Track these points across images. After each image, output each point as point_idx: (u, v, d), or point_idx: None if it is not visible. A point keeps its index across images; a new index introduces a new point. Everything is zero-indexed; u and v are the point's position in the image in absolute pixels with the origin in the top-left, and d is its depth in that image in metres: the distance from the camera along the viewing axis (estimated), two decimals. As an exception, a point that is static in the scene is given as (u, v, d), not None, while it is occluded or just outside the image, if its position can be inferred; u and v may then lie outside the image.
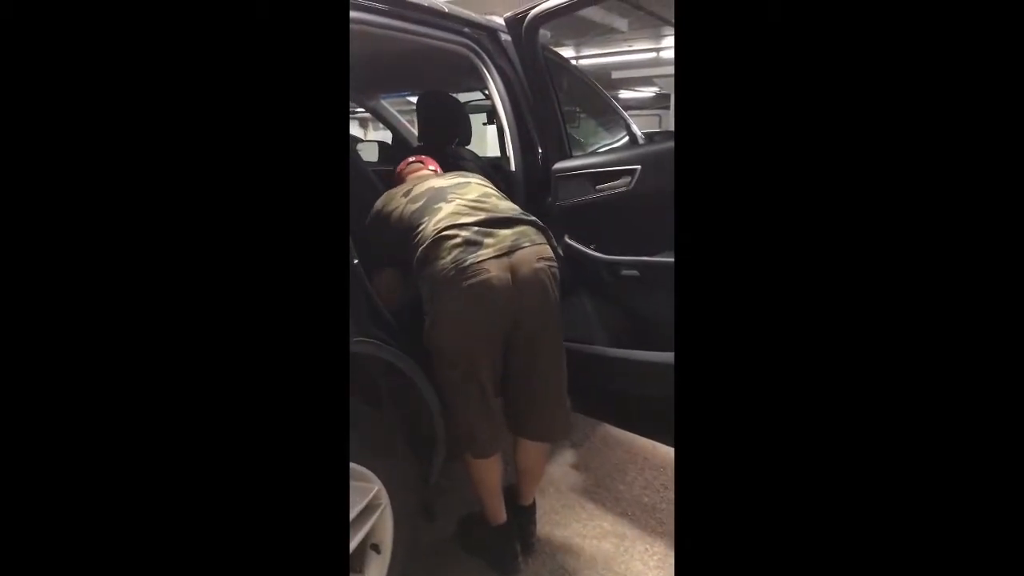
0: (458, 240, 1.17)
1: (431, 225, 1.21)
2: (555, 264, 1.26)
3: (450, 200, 1.26)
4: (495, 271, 1.16)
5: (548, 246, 1.26)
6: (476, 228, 1.19)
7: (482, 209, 1.25)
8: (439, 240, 1.18)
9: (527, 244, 1.21)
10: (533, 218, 1.29)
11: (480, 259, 1.15)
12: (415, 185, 1.36)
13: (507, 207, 1.30)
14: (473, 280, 1.14)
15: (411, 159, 1.58)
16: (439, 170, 1.55)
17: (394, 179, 1.54)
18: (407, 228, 1.27)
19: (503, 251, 1.17)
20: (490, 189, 1.36)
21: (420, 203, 1.28)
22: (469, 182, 1.36)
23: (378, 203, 1.40)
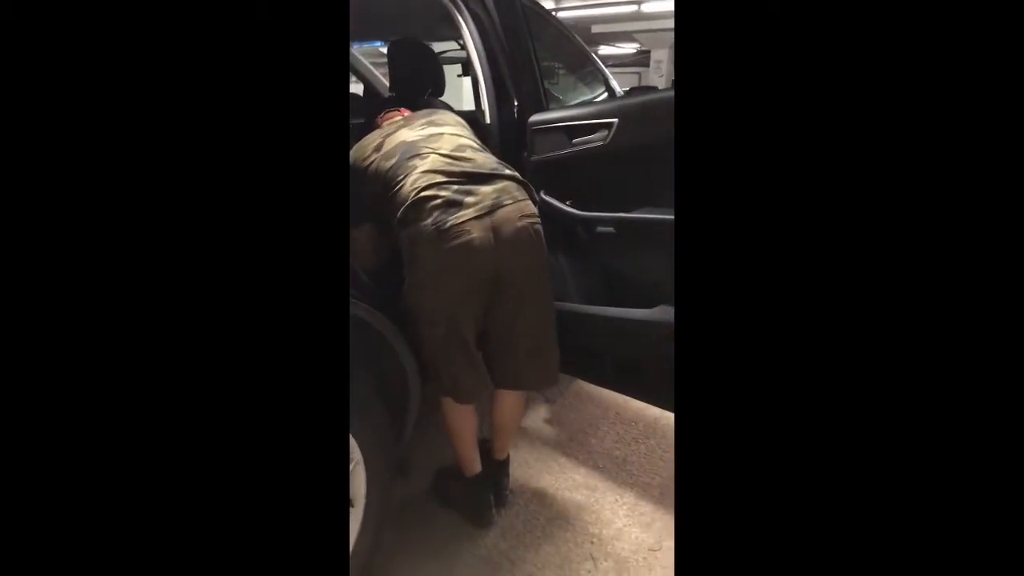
0: (438, 201, 1.14)
1: (408, 185, 1.18)
2: (538, 220, 1.24)
3: (424, 155, 1.22)
4: (476, 232, 1.14)
5: (530, 202, 1.24)
6: (455, 187, 1.16)
7: (459, 163, 1.21)
8: (418, 202, 1.15)
9: (509, 202, 1.19)
10: (513, 172, 1.26)
11: (461, 220, 1.13)
12: (386, 138, 1.31)
13: (484, 160, 1.27)
14: (455, 242, 1.13)
15: (389, 109, 1.52)
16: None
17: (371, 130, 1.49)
18: (383, 186, 1.23)
19: (484, 210, 1.15)
20: (464, 139, 1.32)
21: (394, 160, 1.24)
22: (442, 132, 1.31)
23: (349, 157, 1.35)
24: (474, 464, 1.42)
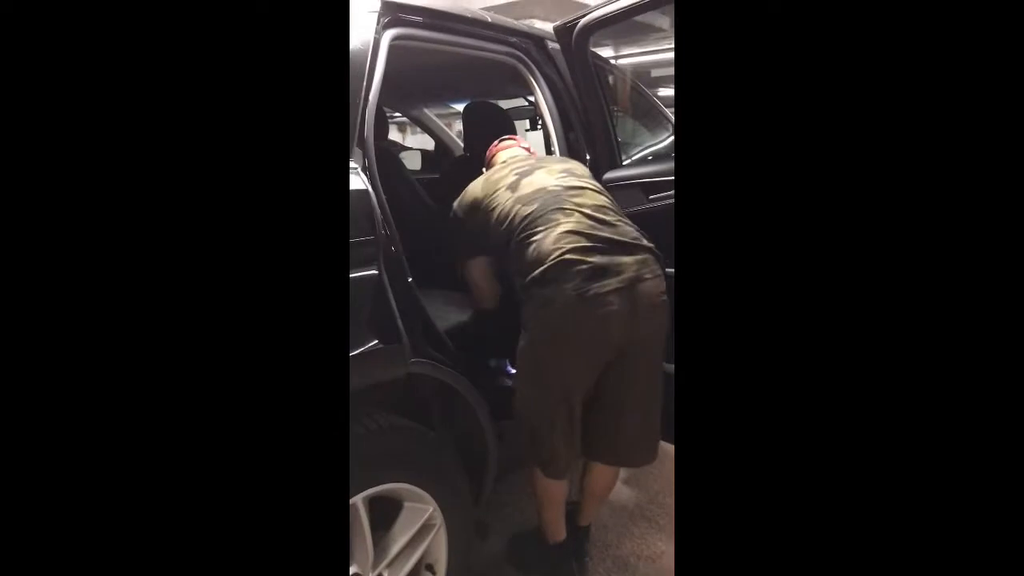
0: (584, 267, 1.10)
1: (550, 242, 1.12)
2: (666, 296, 1.19)
3: (568, 211, 1.17)
4: (617, 304, 1.10)
5: (663, 276, 1.20)
6: (599, 255, 1.12)
7: (603, 228, 1.17)
8: (562, 264, 1.10)
9: (649, 276, 1.14)
10: (650, 244, 1.22)
11: (604, 290, 1.09)
12: (521, 178, 1.25)
13: (626, 228, 1.21)
14: (596, 311, 1.09)
15: (505, 137, 1.52)
16: (533, 152, 1.47)
17: (486, 164, 1.49)
18: (513, 229, 1.19)
19: (626, 283, 1.11)
20: (603, 197, 1.27)
21: (533, 208, 1.18)
22: (583, 187, 1.24)
23: (474, 190, 1.31)
24: (559, 532, 1.37)
